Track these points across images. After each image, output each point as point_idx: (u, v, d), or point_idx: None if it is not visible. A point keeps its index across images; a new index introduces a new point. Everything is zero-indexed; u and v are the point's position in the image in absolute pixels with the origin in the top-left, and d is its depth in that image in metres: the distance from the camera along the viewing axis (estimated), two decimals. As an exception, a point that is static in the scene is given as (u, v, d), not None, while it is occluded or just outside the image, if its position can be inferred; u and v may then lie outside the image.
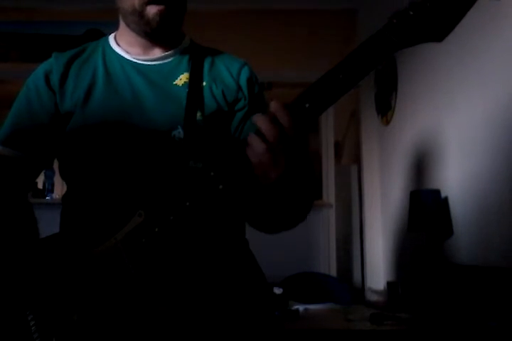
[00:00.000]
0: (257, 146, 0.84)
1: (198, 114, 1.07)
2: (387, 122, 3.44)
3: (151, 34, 1.10)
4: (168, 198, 0.90)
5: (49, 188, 3.92)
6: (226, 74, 1.13)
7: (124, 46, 1.14)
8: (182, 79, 1.11)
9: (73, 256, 0.96)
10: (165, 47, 1.13)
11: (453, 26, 0.79)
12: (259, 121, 0.83)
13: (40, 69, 1.14)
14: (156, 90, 1.09)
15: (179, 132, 1.05)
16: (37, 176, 1.16)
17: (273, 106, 0.84)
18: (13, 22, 4.05)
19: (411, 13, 0.79)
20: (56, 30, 3.97)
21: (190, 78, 1.10)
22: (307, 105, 0.83)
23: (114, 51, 1.14)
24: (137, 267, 0.92)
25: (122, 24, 1.14)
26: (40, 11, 3.93)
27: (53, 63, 1.12)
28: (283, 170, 0.87)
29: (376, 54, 0.81)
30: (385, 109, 3.45)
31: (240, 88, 1.12)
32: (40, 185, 3.92)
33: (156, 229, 0.90)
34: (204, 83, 1.11)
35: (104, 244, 0.94)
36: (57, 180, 3.98)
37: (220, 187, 0.86)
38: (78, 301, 0.93)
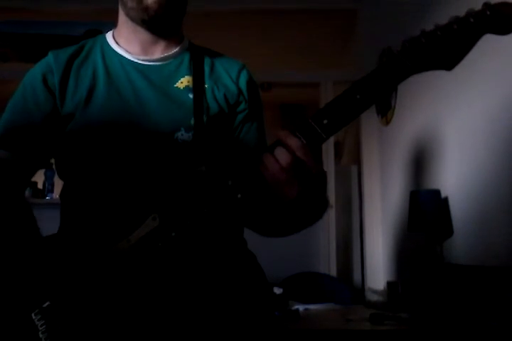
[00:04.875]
0: (271, 165, 0.86)
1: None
2: (387, 122, 3.44)
3: (150, 23, 1.08)
4: (184, 203, 0.91)
5: (49, 188, 3.91)
6: (226, 77, 1.14)
7: (123, 45, 1.13)
8: (183, 82, 1.10)
9: (83, 256, 0.95)
10: (164, 46, 1.13)
11: (462, 56, 0.85)
12: (276, 151, 0.86)
13: (37, 69, 1.11)
14: (158, 92, 1.08)
15: (182, 134, 1.05)
16: (32, 176, 1.14)
17: (283, 136, 0.86)
18: (13, 22, 4.05)
19: (423, 40, 0.84)
20: (56, 30, 3.97)
21: (194, 82, 1.10)
22: (325, 121, 0.85)
23: (113, 50, 1.13)
24: (149, 269, 0.92)
25: (121, 16, 1.13)
26: (40, 11, 3.93)
27: (52, 63, 1.10)
28: (298, 192, 0.88)
29: (391, 76, 0.85)
30: (385, 109, 3.45)
31: (240, 91, 1.13)
32: (40, 185, 3.92)
33: (173, 234, 0.90)
34: (206, 86, 1.11)
35: (115, 246, 0.93)
36: (58, 180, 3.98)
37: (239, 196, 0.88)
38: (86, 301, 0.92)
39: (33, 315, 0.92)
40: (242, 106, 1.13)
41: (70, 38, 3.94)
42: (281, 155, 0.85)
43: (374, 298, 3.45)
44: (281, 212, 0.97)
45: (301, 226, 1.08)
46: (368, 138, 3.77)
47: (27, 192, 3.78)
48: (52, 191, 3.93)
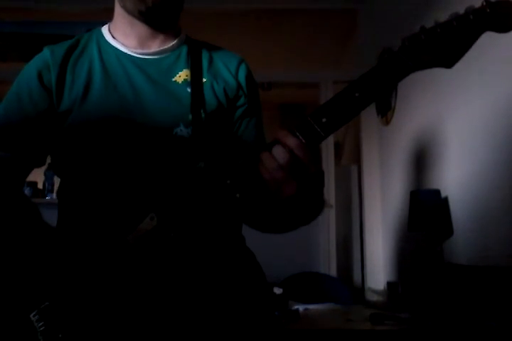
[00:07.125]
0: (268, 163, 0.85)
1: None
2: (387, 122, 3.44)
3: (147, 14, 1.06)
4: (182, 203, 0.90)
5: (49, 188, 3.90)
6: (225, 71, 1.13)
7: (120, 38, 1.11)
8: (181, 76, 1.09)
9: (81, 256, 0.94)
10: (162, 39, 1.11)
11: (462, 53, 0.84)
12: (274, 149, 0.85)
13: (33, 65, 1.08)
14: (156, 86, 1.07)
15: (181, 130, 1.04)
16: (27, 175, 1.12)
17: (281, 135, 0.85)
18: (13, 22, 4.05)
19: (422, 37, 0.84)
20: (56, 30, 3.96)
21: (192, 76, 1.09)
22: (324, 120, 0.84)
23: (109, 44, 1.11)
24: (148, 270, 0.92)
25: (117, 9, 1.11)
26: (40, 11, 3.93)
27: (49, 59, 1.07)
28: (296, 190, 0.88)
29: (390, 74, 0.84)
30: (385, 109, 3.45)
31: (239, 85, 1.12)
32: (40, 185, 3.91)
33: (172, 234, 0.90)
34: (204, 80, 1.10)
35: (113, 246, 0.92)
36: (58, 180, 3.97)
37: (238, 195, 0.87)
38: (85, 302, 0.92)
39: (31, 316, 0.91)
40: (242, 100, 1.12)
41: (70, 38, 3.93)
42: (279, 154, 0.84)
43: (374, 298, 3.45)
44: (278, 209, 0.97)
45: (297, 225, 1.07)
46: (368, 138, 3.78)
47: (27, 192, 3.79)
48: (52, 191, 3.93)
